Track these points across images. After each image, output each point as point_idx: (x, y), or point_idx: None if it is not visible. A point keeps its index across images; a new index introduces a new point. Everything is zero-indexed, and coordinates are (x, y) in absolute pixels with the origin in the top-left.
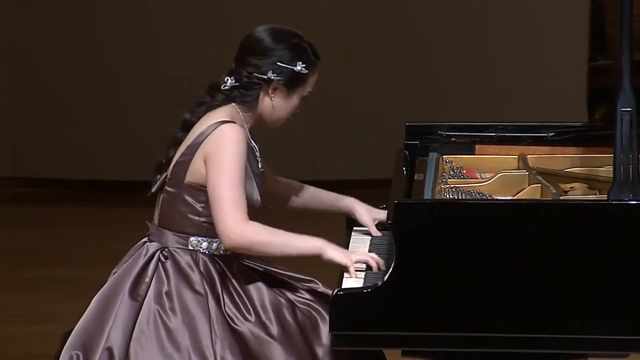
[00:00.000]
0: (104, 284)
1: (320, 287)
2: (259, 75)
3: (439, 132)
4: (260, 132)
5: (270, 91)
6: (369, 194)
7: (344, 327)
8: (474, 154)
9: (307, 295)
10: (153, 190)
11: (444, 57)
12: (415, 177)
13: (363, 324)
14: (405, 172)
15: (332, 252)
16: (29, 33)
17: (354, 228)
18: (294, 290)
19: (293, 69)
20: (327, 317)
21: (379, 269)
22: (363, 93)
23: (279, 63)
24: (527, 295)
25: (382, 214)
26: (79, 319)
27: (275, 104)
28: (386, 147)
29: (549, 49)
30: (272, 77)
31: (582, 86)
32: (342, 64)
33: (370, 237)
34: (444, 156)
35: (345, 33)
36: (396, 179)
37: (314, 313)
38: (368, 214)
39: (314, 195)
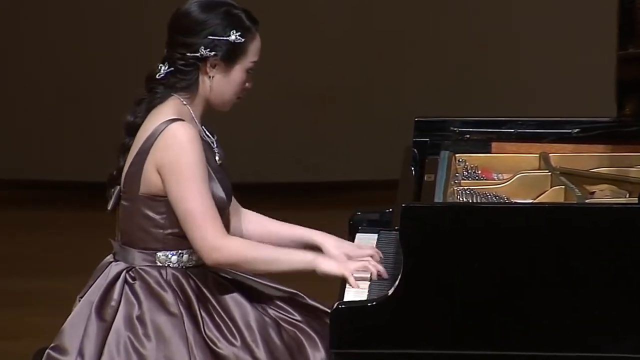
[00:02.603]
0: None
1: (306, 300)
2: (192, 54)
3: (452, 128)
4: (254, 131)
5: (208, 69)
6: (374, 197)
7: (345, 344)
8: (490, 153)
9: (292, 313)
10: (110, 207)
11: (459, 45)
12: (425, 178)
13: (367, 340)
14: (413, 172)
15: (327, 264)
16: (7, 29)
17: (358, 234)
18: (277, 306)
19: (227, 40)
20: (314, 336)
21: (379, 276)
22: (366, 84)
23: (210, 37)
24: (548, 310)
25: (354, 251)
26: (52, 335)
27: (215, 83)
28: (393, 145)
29: (574, 36)
30: (206, 54)
31: (610, 77)
32: (341, 51)
33: (375, 243)
34: (456, 155)
35: (347, 17)
36: (404, 180)
37: (299, 334)
38: (338, 251)
39: (274, 231)
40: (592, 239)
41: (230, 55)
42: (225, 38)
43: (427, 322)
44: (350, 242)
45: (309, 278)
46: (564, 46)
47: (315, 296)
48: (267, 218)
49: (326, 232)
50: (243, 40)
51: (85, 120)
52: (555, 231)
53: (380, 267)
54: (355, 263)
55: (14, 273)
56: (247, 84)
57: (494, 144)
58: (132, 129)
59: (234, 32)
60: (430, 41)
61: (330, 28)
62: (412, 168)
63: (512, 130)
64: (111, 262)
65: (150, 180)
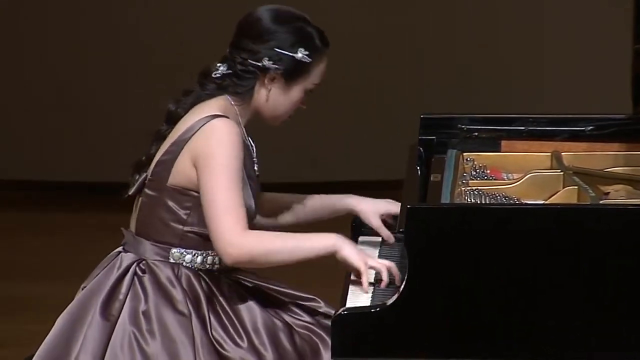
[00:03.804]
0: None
1: (323, 307)
2: (254, 62)
3: (459, 125)
4: (257, 128)
5: (266, 81)
6: (378, 197)
7: (348, 352)
8: (499, 151)
9: (306, 317)
10: (131, 192)
11: (466, 41)
12: (431, 178)
13: (370, 349)
14: (419, 172)
15: (348, 250)
16: (6, 30)
17: (360, 238)
18: (291, 311)
19: (293, 57)
20: (328, 340)
21: (393, 282)
22: (370, 82)
23: (277, 49)
24: (562, 317)
25: (391, 206)
26: (39, 344)
27: (271, 97)
28: (397, 143)
29: (587, 29)
30: (269, 65)
31: (625, 72)
32: (345, 48)
33: (379, 248)
34: (464, 153)
35: (350, 15)
36: (409, 180)
37: (314, 338)
38: (374, 215)
39: (305, 204)
40: (607, 242)
41: (293, 72)
42: (291, 54)
43: (434, 328)
44: (387, 202)
45: (311, 283)
46: (576, 40)
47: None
48: (287, 195)
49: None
50: (310, 60)
51: (82, 121)
52: (567, 234)
53: (398, 274)
54: (374, 261)
55: (4, 277)
56: (303, 105)
57: (503, 142)
58: (172, 118)
59: (302, 50)
60: (436, 37)
61: (333, 27)
62: (418, 167)
63: (523, 128)
64: (120, 252)
65: (182, 172)
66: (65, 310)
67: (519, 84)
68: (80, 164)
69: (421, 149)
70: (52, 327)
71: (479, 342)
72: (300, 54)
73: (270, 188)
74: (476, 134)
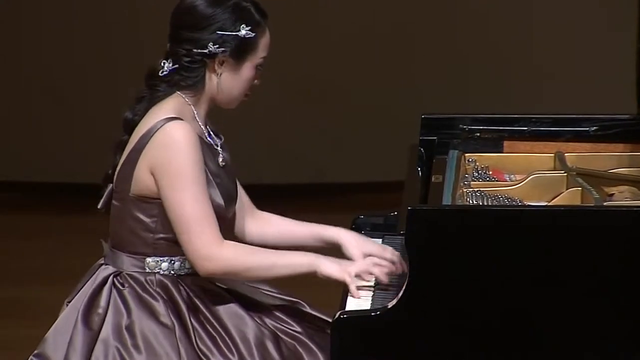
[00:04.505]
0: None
1: (307, 310)
2: (200, 51)
3: (461, 125)
4: (253, 130)
5: (216, 67)
6: (379, 199)
7: (347, 357)
8: (502, 152)
9: (293, 325)
10: (99, 206)
11: (468, 40)
12: (433, 179)
13: (370, 353)
14: (420, 173)
15: (328, 266)
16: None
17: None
18: (276, 316)
19: (237, 35)
20: (315, 349)
21: (393, 281)
22: (370, 81)
23: (219, 32)
24: (564, 319)
25: (375, 248)
26: (34, 348)
27: (224, 81)
28: (398, 144)
29: (591, 28)
30: (215, 50)
31: (630, 71)
32: (346, 48)
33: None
34: (466, 154)
35: (352, 12)
36: (410, 181)
37: (298, 347)
38: (358, 249)
39: (291, 231)
40: (611, 244)
41: (240, 51)
42: (234, 33)
43: (435, 332)
44: (373, 241)
45: (311, 285)
46: (579, 40)
47: (319, 304)
48: (282, 218)
49: None
50: (253, 35)
51: (74, 122)
52: (571, 236)
53: (388, 267)
54: (357, 266)
55: None
56: (255, 81)
57: (506, 143)
58: (130, 126)
59: (244, 26)
60: (437, 36)
61: (333, 26)
62: (419, 168)
63: (526, 128)
64: (101, 264)
65: (141, 180)
66: (51, 327)
67: (520, 83)
68: (75, 164)
69: (422, 149)
70: (42, 332)
71: (480, 345)
72: (243, 31)
73: (271, 190)
74: (478, 134)
